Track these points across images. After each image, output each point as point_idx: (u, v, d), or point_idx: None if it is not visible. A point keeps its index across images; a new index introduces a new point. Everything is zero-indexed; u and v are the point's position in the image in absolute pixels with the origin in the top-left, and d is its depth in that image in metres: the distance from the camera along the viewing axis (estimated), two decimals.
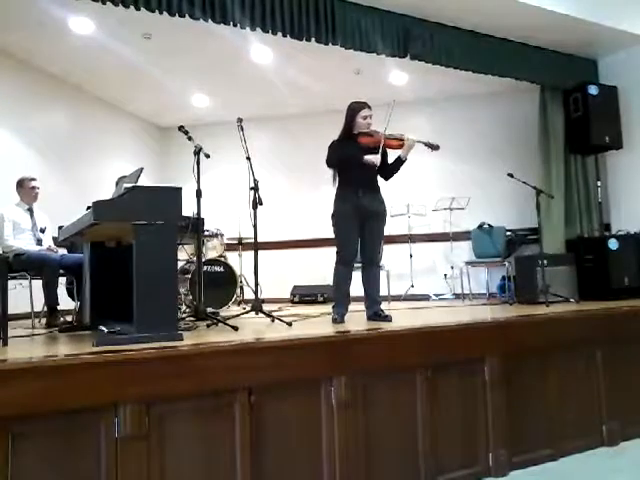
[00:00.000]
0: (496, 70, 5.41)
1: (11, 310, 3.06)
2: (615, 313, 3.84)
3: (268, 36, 4.43)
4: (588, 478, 3.08)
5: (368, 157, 3.44)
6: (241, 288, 5.98)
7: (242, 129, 3.79)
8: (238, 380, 2.43)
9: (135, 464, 2.20)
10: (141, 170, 2.97)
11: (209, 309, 4.13)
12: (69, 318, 4.36)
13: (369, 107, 3.60)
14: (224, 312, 4.69)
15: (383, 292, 4.20)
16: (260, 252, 3.89)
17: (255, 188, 3.75)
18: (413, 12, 4.91)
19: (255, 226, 3.78)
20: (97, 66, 5.93)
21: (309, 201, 7.43)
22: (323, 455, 2.59)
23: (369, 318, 3.53)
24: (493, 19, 5.08)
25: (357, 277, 3.64)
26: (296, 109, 7.49)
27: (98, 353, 2.24)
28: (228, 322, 3.31)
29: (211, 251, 5.45)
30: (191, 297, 4.78)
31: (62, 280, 4.39)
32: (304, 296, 6.86)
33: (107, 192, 4.13)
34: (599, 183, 5.80)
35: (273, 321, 3.61)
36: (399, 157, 3.57)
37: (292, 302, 6.85)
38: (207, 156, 3.63)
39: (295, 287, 7.06)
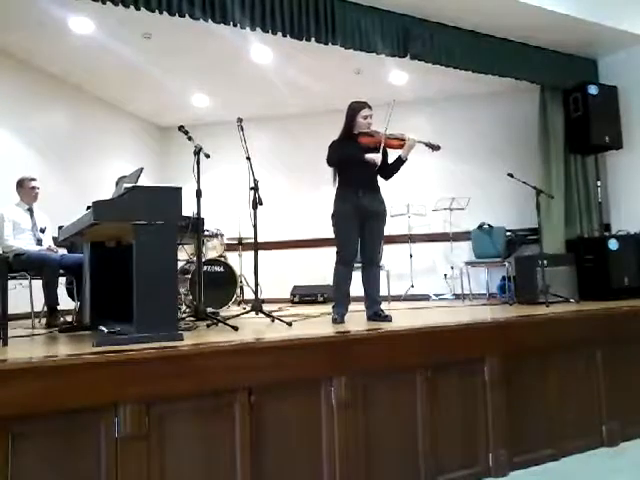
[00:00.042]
0: (496, 70, 5.41)
1: (11, 310, 3.06)
2: (615, 313, 3.84)
3: (268, 36, 4.43)
4: (588, 478, 3.08)
5: (369, 155, 3.45)
6: (241, 288, 5.98)
7: (242, 129, 3.79)
8: (238, 380, 2.43)
9: (135, 464, 2.20)
10: (141, 170, 2.97)
11: (209, 309, 4.13)
12: (69, 318, 4.36)
13: (369, 107, 3.60)
14: (224, 312, 4.69)
15: (383, 292, 4.20)
16: (260, 252, 3.89)
17: (255, 188, 3.75)
18: (413, 12, 4.91)
19: (255, 226, 3.78)
20: (97, 66, 5.93)
21: (309, 201, 7.43)
22: (323, 455, 2.59)
23: (369, 318, 3.53)
24: (493, 19, 5.08)
25: (357, 277, 3.64)
26: (296, 109, 7.49)
27: (98, 353, 2.24)
28: (228, 322, 3.31)
29: (211, 251, 5.45)
30: (191, 297, 4.78)
31: (62, 280, 4.39)
32: (304, 296, 6.87)
33: (107, 192, 4.13)
34: (599, 183, 5.80)
35: (273, 321, 3.61)
36: (399, 157, 3.57)
37: (292, 302, 6.85)
38: (207, 156, 3.63)
39: (295, 287, 7.06)
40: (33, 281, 4.21)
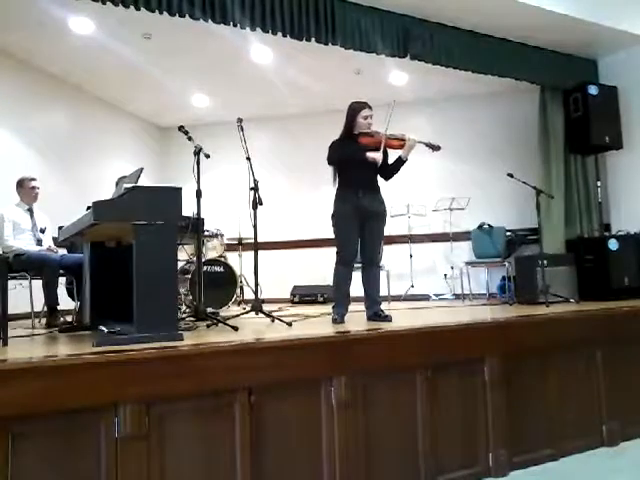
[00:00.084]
0: (496, 70, 5.41)
1: (11, 310, 3.06)
2: (615, 313, 3.84)
3: (268, 36, 4.43)
4: (588, 478, 3.08)
5: (370, 154, 3.46)
6: (241, 288, 5.98)
7: (242, 129, 3.79)
8: (238, 380, 2.43)
9: (135, 464, 2.20)
10: (141, 170, 2.97)
11: (209, 309, 4.13)
12: (69, 318, 4.36)
13: (370, 107, 3.60)
14: (224, 312, 4.69)
15: (383, 292, 4.20)
16: (260, 252, 3.89)
17: (255, 188, 3.75)
18: (413, 12, 4.91)
19: (255, 226, 3.78)
20: (97, 66, 5.93)
21: (309, 201, 7.43)
22: (323, 455, 2.59)
23: (369, 318, 3.53)
24: (493, 19, 5.08)
25: (357, 277, 3.64)
26: (296, 109, 7.49)
27: (98, 353, 2.24)
28: (228, 322, 3.31)
29: (211, 251, 5.45)
30: (191, 297, 4.78)
31: (62, 280, 4.39)
32: (304, 296, 6.86)
33: (107, 192, 4.13)
34: (599, 183, 5.80)
35: (273, 321, 3.61)
36: (400, 157, 3.57)
37: (292, 302, 6.85)
38: (207, 156, 3.63)
39: (295, 287, 7.06)
40: (33, 281, 4.21)
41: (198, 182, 3.62)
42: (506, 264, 5.97)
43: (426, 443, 2.86)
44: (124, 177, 3.37)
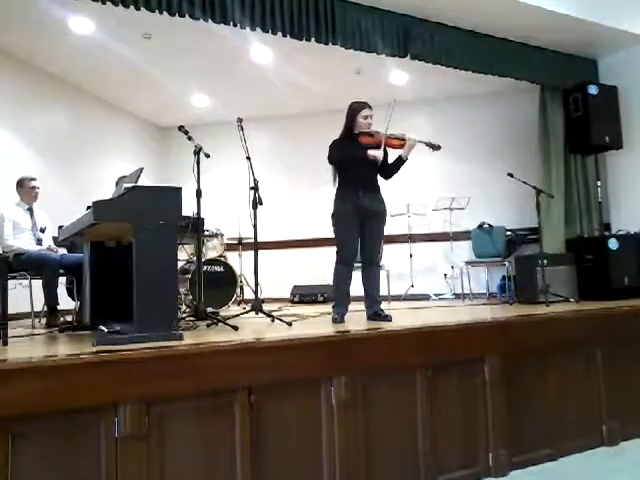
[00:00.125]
0: (496, 70, 5.41)
1: (11, 310, 3.06)
2: (615, 313, 3.84)
3: (268, 36, 4.43)
4: (588, 478, 3.08)
5: (371, 152, 3.46)
6: (241, 288, 5.98)
7: (242, 129, 3.79)
8: (238, 380, 2.43)
9: (135, 464, 2.20)
10: (141, 170, 2.97)
11: (209, 309, 4.13)
12: (69, 318, 4.36)
13: (370, 107, 3.60)
14: (224, 312, 4.69)
15: (383, 292, 4.20)
16: (260, 252, 3.89)
17: (255, 188, 3.75)
18: (413, 12, 4.91)
19: (255, 226, 3.78)
20: (97, 66, 5.92)
21: (309, 201, 7.43)
22: (323, 455, 2.60)
23: (369, 318, 3.53)
24: (493, 19, 5.08)
25: (357, 277, 3.64)
26: (296, 109, 7.49)
27: (98, 353, 2.24)
28: (228, 322, 3.31)
29: (211, 251, 5.45)
30: (191, 297, 4.78)
31: (62, 280, 4.38)
32: (304, 296, 6.86)
33: (107, 192, 4.13)
34: (599, 183, 5.80)
35: (273, 321, 3.61)
36: (400, 157, 3.58)
37: (292, 302, 6.85)
38: (207, 156, 3.63)
39: (295, 287, 7.06)
40: (33, 281, 4.21)
41: (198, 182, 3.62)
42: (506, 264, 5.97)
43: (426, 443, 2.86)
44: (124, 177, 3.37)
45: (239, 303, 5.80)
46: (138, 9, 3.82)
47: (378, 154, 3.47)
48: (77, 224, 3.05)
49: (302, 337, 2.66)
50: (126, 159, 7.12)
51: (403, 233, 7.03)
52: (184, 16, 3.97)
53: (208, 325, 3.40)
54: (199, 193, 3.63)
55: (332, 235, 3.61)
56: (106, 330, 2.97)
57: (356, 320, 3.49)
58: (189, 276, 4.83)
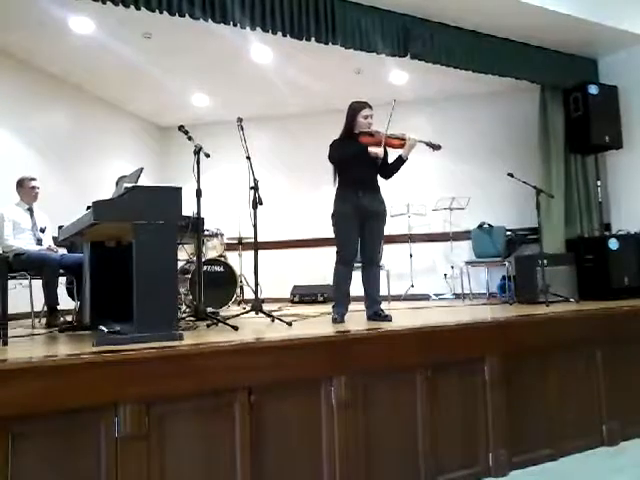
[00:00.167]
0: (496, 70, 5.41)
1: (11, 310, 3.06)
2: (615, 313, 3.84)
3: (268, 36, 4.43)
4: (588, 478, 3.08)
5: (372, 149, 3.47)
6: (241, 288, 5.98)
7: (242, 129, 3.78)
8: (238, 380, 2.43)
9: (135, 464, 2.20)
10: (141, 170, 2.97)
11: (209, 309, 4.13)
12: (69, 318, 4.36)
13: (370, 107, 3.60)
14: (224, 312, 4.69)
15: (383, 292, 4.20)
16: (260, 252, 3.89)
17: (255, 188, 3.74)
18: (413, 12, 4.91)
19: (255, 226, 3.78)
20: (97, 66, 5.92)
21: (309, 201, 7.43)
22: (323, 455, 2.60)
23: (369, 318, 3.53)
24: (494, 19, 5.08)
25: (357, 277, 3.64)
26: (296, 109, 7.49)
27: (98, 353, 2.24)
28: (228, 322, 3.31)
29: (211, 251, 5.45)
30: (191, 297, 4.78)
31: (62, 280, 4.38)
32: (304, 296, 6.86)
33: (107, 192, 4.12)
34: (599, 183, 5.80)
35: (273, 321, 3.61)
36: (400, 156, 3.57)
37: (292, 302, 6.85)
38: (207, 156, 3.63)
39: (295, 287, 7.06)
40: (33, 281, 4.21)
41: (198, 182, 3.62)
42: (506, 264, 5.97)
43: (426, 443, 2.86)
44: (124, 177, 3.37)
45: (239, 303, 5.80)
46: (138, 9, 3.82)
47: (379, 151, 3.47)
48: (77, 224, 3.05)
49: (302, 337, 2.65)
50: (126, 159, 7.12)
51: (403, 233, 7.03)
52: (184, 16, 3.97)
53: (208, 325, 3.40)
54: (199, 193, 3.63)
55: (332, 235, 3.61)
56: (106, 330, 2.97)
57: (356, 320, 3.49)
58: (189, 276, 4.83)
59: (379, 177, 3.67)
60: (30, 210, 4.42)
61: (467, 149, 7.11)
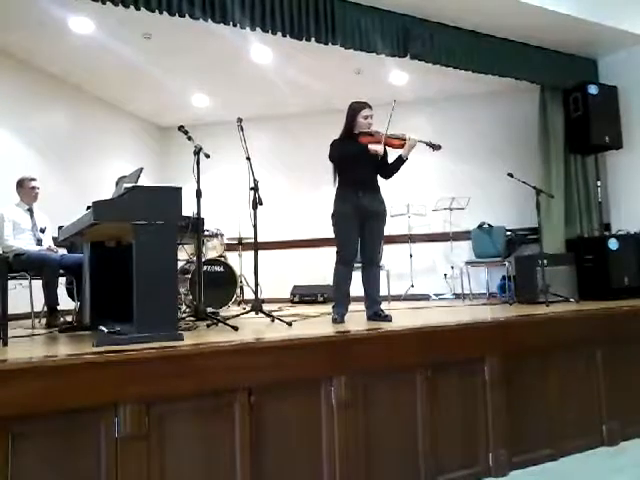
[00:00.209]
0: (496, 70, 5.41)
1: (11, 310, 3.06)
2: (615, 313, 3.84)
3: (268, 36, 4.43)
4: (588, 478, 3.08)
5: (372, 146, 3.47)
6: (241, 288, 5.98)
7: (242, 129, 3.79)
8: (238, 380, 2.43)
9: (135, 464, 2.20)
10: (141, 170, 2.97)
11: (209, 309, 4.13)
12: (69, 318, 4.36)
13: (370, 107, 3.60)
14: (224, 312, 4.69)
15: (383, 292, 4.20)
16: (260, 252, 3.89)
17: (255, 188, 3.75)
18: (413, 12, 4.91)
19: (255, 226, 3.78)
20: (97, 66, 5.93)
21: (309, 201, 7.43)
22: (323, 455, 2.59)
23: (369, 318, 3.53)
24: (494, 19, 5.08)
25: (357, 277, 3.64)
26: (296, 109, 7.49)
27: (98, 353, 2.24)
28: (228, 322, 3.30)
29: (211, 251, 5.45)
30: (191, 297, 4.78)
31: (62, 280, 4.38)
32: (304, 296, 6.86)
33: (107, 192, 4.12)
34: (599, 183, 5.80)
35: (273, 321, 3.61)
36: (400, 156, 3.57)
37: (292, 302, 6.85)
38: (207, 156, 3.63)
39: (295, 287, 7.05)
40: (33, 281, 4.21)
41: (198, 182, 3.62)
42: (506, 264, 5.98)
43: (426, 443, 2.86)
44: (124, 177, 3.37)
45: (239, 303, 5.80)
46: (138, 9, 3.82)
47: (379, 148, 3.48)
48: (77, 224, 3.05)
49: (302, 337, 2.65)
50: (126, 159, 7.12)
51: (403, 233, 7.03)
52: (184, 16, 3.97)
53: (208, 325, 3.40)
54: (199, 193, 3.63)
55: (332, 235, 3.61)
56: (106, 330, 2.97)
57: (356, 320, 3.49)
58: (189, 276, 4.83)
59: (379, 177, 3.67)
60: (30, 210, 4.42)
61: (467, 149, 7.12)
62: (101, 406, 2.16)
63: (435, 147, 3.66)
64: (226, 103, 7.08)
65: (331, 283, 3.66)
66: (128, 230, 2.61)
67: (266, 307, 3.98)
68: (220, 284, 4.97)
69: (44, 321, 4.23)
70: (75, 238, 3.35)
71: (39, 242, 4.37)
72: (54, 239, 4.51)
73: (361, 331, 2.90)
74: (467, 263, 6.29)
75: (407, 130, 3.65)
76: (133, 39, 5.33)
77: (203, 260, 4.75)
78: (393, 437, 2.78)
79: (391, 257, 6.36)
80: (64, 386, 2.10)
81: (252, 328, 3.33)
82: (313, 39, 4.49)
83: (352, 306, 3.67)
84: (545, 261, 4.75)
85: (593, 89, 5.50)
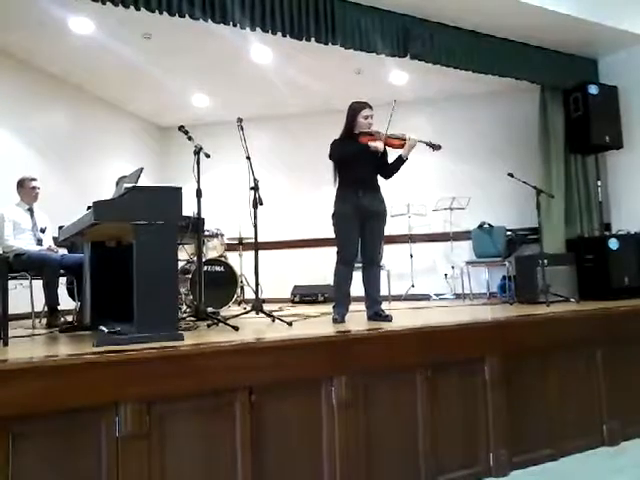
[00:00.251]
0: (496, 70, 5.41)
1: (11, 310, 3.06)
2: (615, 313, 3.84)
3: (268, 36, 4.43)
4: (588, 478, 3.08)
5: (372, 142, 3.48)
6: (241, 288, 5.97)
7: (242, 129, 3.79)
8: (238, 380, 2.43)
9: (136, 463, 2.20)
10: (141, 170, 2.98)
11: (209, 309, 4.13)
12: (69, 318, 4.36)
13: (370, 107, 3.60)
14: (224, 312, 4.69)
15: (383, 292, 4.19)
16: (260, 252, 3.89)
17: (255, 188, 3.75)
18: (413, 12, 4.91)
19: (255, 226, 3.78)
20: (97, 66, 5.93)
21: (309, 201, 7.43)
22: (324, 455, 2.60)
23: (369, 318, 3.53)
24: (494, 19, 5.08)
25: (358, 277, 3.64)
26: (296, 109, 7.49)
27: (99, 353, 2.24)
28: (228, 322, 3.31)
29: (211, 251, 5.45)
30: (192, 297, 4.78)
31: (62, 280, 4.39)
32: (304, 296, 6.86)
33: (107, 192, 4.13)
34: (599, 183, 5.80)
35: (273, 321, 3.62)
36: (400, 156, 3.57)
37: (292, 302, 6.84)
38: (207, 156, 3.63)
39: (295, 287, 7.05)
40: (33, 281, 4.21)
41: (198, 182, 3.62)
42: (506, 264, 5.97)
43: (426, 443, 2.86)
44: (124, 177, 3.37)
45: (239, 303, 5.80)
46: (138, 9, 3.82)
47: (379, 145, 3.48)
48: (77, 224, 3.06)
49: (303, 337, 2.66)
50: (126, 159, 7.12)
51: (403, 233, 7.03)
52: (184, 16, 3.97)
53: (209, 325, 3.40)
54: (199, 193, 3.63)
55: (332, 235, 3.61)
56: (107, 330, 2.97)
57: (356, 320, 3.49)
58: (189, 276, 4.83)
59: (379, 177, 3.67)
60: (30, 210, 4.42)
61: (467, 149, 7.12)
62: (102, 406, 2.16)
63: (435, 147, 3.66)
64: (226, 103, 7.08)
65: (331, 283, 3.67)
66: (128, 230, 2.62)
67: (266, 307, 3.99)
68: (220, 284, 4.97)
69: (44, 321, 4.23)
70: (75, 238, 3.35)
71: (39, 242, 4.37)
72: (54, 239, 4.51)
73: (361, 331, 2.90)
74: (467, 263, 6.29)
75: (407, 130, 3.65)
76: (133, 39, 5.33)
77: (203, 260, 4.75)
78: (393, 437, 2.78)
79: (391, 257, 6.36)
80: (65, 386, 2.10)
81: (253, 328, 3.33)
82: (313, 39, 4.49)
83: (352, 306, 3.67)
84: (545, 261, 4.75)
85: (593, 89, 5.50)
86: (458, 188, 6.92)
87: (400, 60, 5.10)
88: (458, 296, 6.62)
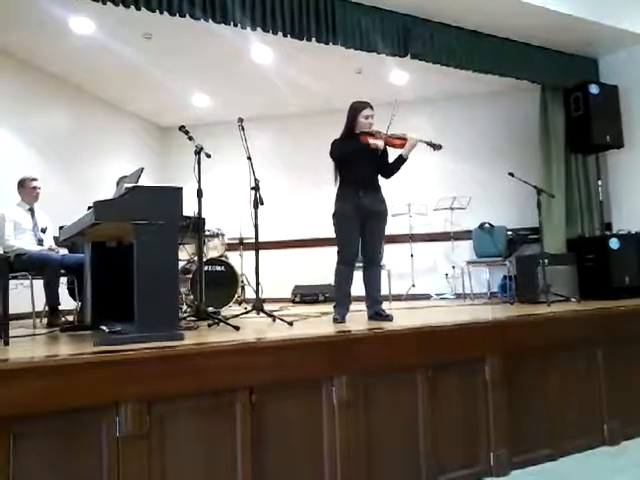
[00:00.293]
0: (497, 70, 5.41)
1: (12, 310, 3.06)
2: (616, 313, 3.84)
3: (268, 36, 4.43)
4: (589, 478, 3.08)
5: (372, 140, 3.48)
6: (242, 288, 5.97)
7: (243, 129, 3.79)
8: (239, 379, 2.43)
9: (136, 463, 2.20)
10: (142, 170, 2.98)
11: (210, 309, 4.14)
12: (70, 318, 4.37)
13: (371, 107, 3.60)
14: (225, 312, 4.69)
15: (384, 292, 4.19)
16: (261, 252, 3.90)
17: (256, 188, 3.75)
18: (414, 12, 4.91)
19: (256, 226, 3.79)
20: (97, 66, 5.93)
21: (310, 201, 7.43)
22: (324, 455, 2.59)
23: (370, 318, 3.53)
24: (495, 19, 5.07)
25: (358, 277, 3.64)
26: (297, 109, 7.49)
27: (99, 353, 2.25)
28: (229, 322, 3.31)
29: (212, 251, 5.45)
30: (192, 297, 4.79)
31: (63, 280, 4.39)
32: (305, 296, 6.86)
33: (108, 192, 4.13)
34: (600, 182, 5.80)
35: (274, 321, 3.62)
36: (400, 156, 3.57)
37: (293, 302, 6.85)
38: (208, 156, 3.63)
39: (296, 287, 7.06)
40: (34, 281, 4.21)
41: (199, 182, 3.62)
42: (507, 263, 5.97)
43: (427, 443, 2.86)
44: (125, 177, 3.38)
45: (240, 303, 5.80)
46: (138, 9, 3.82)
47: (379, 143, 3.48)
48: (78, 224, 3.06)
49: (303, 337, 2.66)
50: (127, 159, 7.12)
51: (404, 233, 7.03)
52: (184, 16, 3.98)
53: (209, 325, 3.40)
54: (200, 193, 3.63)
55: (333, 235, 3.61)
56: (107, 330, 2.98)
57: (357, 320, 3.49)
58: (190, 276, 4.84)
59: (380, 177, 3.67)
60: (31, 210, 4.43)
61: (468, 149, 7.11)
62: (102, 406, 2.16)
63: (436, 147, 3.66)
64: (227, 103, 7.08)
65: (332, 283, 3.67)
66: (129, 230, 2.62)
67: (267, 307, 3.99)
68: (221, 284, 4.97)
69: (45, 321, 4.23)
70: (76, 238, 3.35)
71: (40, 242, 4.37)
72: (55, 239, 4.51)
73: (362, 331, 2.90)
74: (468, 263, 6.29)
75: (407, 130, 3.65)
76: (133, 39, 5.33)
77: (204, 260, 4.75)
78: (394, 437, 2.78)
79: (392, 257, 6.36)
80: (65, 386, 2.10)
81: (253, 328, 3.33)
82: (314, 39, 4.49)
83: (353, 306, 3.67)
84: (546, 261, 4.75)
85: (594, 88, 5.50)
86: (459, 188, 6.91)
87: (400, 60, 5.10)
88: (459, 296, 6.62)
